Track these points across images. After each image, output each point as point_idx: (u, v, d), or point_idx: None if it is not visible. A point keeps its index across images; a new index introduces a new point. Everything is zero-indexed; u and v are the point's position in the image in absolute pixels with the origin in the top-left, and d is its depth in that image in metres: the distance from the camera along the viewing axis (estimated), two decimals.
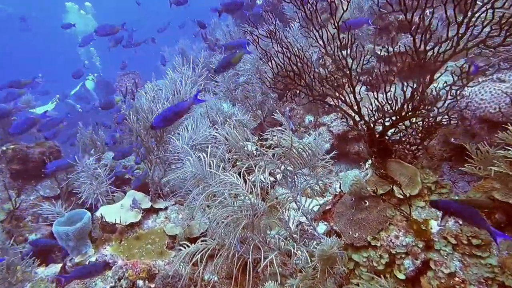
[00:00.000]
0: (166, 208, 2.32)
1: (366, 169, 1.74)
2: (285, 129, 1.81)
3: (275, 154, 1.73)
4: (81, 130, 3.55)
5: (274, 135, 1.79)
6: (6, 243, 1.98)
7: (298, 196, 1.74)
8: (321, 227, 1.87)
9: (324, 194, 2.45)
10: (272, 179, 1.93)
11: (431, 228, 1.31)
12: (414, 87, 1.36)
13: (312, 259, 1.44)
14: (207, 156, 1.81)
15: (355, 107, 1.59)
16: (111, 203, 2.43)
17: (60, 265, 2.06)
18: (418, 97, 1.34)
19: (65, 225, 1.96)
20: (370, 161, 1.82)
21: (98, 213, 2.13)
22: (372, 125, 1.55)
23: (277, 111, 4.02)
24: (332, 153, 1.67)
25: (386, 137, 1.55)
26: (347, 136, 3.21)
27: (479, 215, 1.05)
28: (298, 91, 1.74)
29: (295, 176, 1.74)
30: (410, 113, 1.41)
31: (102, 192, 2.48)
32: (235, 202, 1.62)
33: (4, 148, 3.03)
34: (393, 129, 1.52)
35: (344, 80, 1.63)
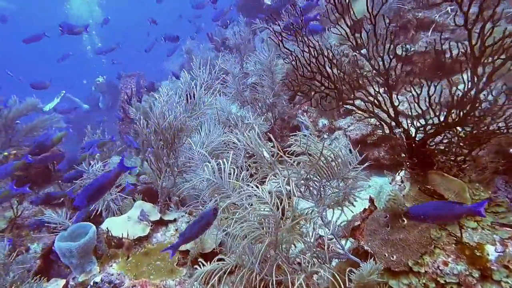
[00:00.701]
0: (175, 220, 2.15)
1: (401, 182, 1.56)
2: (309, 133, 1.64)
3: (300, 163, 1.56)
4: (88, 133, 3.42)
5: (300, 141, 1.62)
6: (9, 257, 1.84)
7: (324, 212, 1.57)
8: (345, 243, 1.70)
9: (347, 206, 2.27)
10: (290, 188, 1.77)
11: (488, 254, 1.14)
12: (466, 88, 1.18)
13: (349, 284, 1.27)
14: (227, 163, 1.64)
15: (392, 113, 1.42)
16: (121, 209, 2.28)
17: (63, 282, 1.91)
18: (471, 100, 1.17)
19: (69, 239, 1.81)
20: (402, 172, 1.64)
21: (103, 226, 1.97)
22: (411, 133, 1.38)
23: (297, 115, 3.86)
24: (366, 163, 1.49)
25: (428, 146, 1.37)
26: (365, 141, 3.03)
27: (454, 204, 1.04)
28: (325, 95, 1.57)
29: (322, 188, 1.57)
30: (459, 120, 1.24)
31: (109, 199, 2.34)
32: (258, 217, 1.46)
33: (5, 153, 2.89)
34: (437, 137, 1.35)
35: (371, 82, 1.46)
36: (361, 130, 3.03)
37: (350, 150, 3.26)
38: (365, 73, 2.56)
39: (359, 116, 3.13)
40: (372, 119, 2.99)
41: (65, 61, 6.76)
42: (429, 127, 1.33)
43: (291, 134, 4.09)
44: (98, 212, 2.33)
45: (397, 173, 1.71)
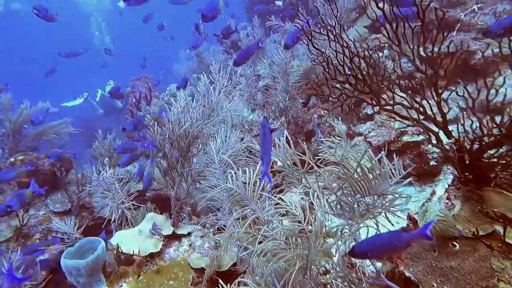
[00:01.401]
0: (189, 234, 2.00)
1: (447, 199, 1.38)
2: (342, 141, 1.49)
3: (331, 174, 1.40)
4: (100, 138, 3.30)
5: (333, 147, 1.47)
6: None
7: (358, 230, 1.40)
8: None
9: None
10: (319, 203, 1.61)
11: None
12: None
13: None
14: (252, 172, 1.48)
15: (440, 121, 1.25)
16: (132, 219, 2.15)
17: None
18: None
19: (76, 255, 1.67)
20: (445, 186, 1.47)
21: (113, 241, 1.83)
22: (466, 144, 1.20)
23: (312, 119, 3.68)
24: (410, 179, 1.32)
25: (484, 159, 1.20)
26: (389, 148, 2.85)
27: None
28: (359, 100, 1.41)
29: (355, 204, 1.41)
30: None
31: (118, 206, 2.21)
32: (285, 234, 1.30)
33: (12, 159, 2.79)
34: (495, 149, 1.17)
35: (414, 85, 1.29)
36: (384, 136, 2.85)
37: (371, 157, 3.06)
38: (393, 75, 2.38)
39: (381, 121, 2.96)
40: (396, 124, 2.81)
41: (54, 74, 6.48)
42: (484, 137, 1.16)
43: (306, 139, 3.85)
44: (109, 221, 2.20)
45: (429, 185, 1.53)
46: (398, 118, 1.36)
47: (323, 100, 4.15)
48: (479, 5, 3.29)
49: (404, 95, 1.27)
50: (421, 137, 2.47)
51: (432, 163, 2.39)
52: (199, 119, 1.99)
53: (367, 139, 2.94)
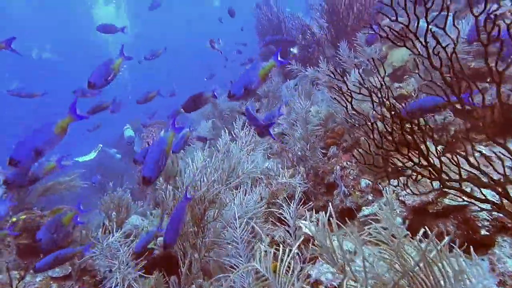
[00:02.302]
0: None
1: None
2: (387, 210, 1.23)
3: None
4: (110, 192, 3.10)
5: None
6: None
7: None
8: None
9: None
10: None
11: None
12: None
13: None
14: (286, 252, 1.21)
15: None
16: None
17: None
18: None
19: None
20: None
21: None
22: None
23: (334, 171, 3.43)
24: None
25: None
26: (426, 209, 2.54)
27: None
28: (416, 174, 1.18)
29: None
30: None
31: (125, 277, 1.92)
32: None
33: (14, 218, 2.59)
34: None
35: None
36: (420, 195, 2.55)
37: (404, 220, 2.72)
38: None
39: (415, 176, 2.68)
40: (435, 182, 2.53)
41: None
42: None
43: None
44: None
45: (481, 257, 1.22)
46: (473, 201, 1.10)
47: (345, 150, 3.93)
48: None
49: (474, 170, 1.04)
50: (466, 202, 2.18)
51: (483, 232, 2.07)
52: (217, 181, 1.78)
53: (400, 197, 2.64)
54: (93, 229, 3.36)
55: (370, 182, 3.19)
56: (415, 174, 1.16)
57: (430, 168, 1.10)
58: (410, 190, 1.47)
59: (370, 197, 3.13)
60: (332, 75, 3.52)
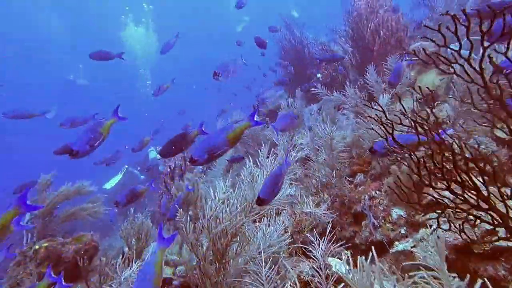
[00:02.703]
0: None
1: None
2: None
3: None
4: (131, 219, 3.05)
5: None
6: None
7: None
8: None
9: None
10: None
11: None
12: None
13: None
14: None
15: None
16: None
17: None
18: None
19: None
20: None
21: None
22: None
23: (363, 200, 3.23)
24: None
25: None
26: (470, 249, 2.27)
27: None
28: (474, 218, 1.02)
29: None
30: None
31: None
32: None
33: (37, 246, 2.58)
34: None
35: None
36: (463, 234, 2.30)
37: (446, 260, 2.46)
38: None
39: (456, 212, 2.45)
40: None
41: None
42: None
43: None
44: None
45: None
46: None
47: (373, 178, 3.73)
48: None
49: None
50: None
51: None
52: (240, 213, 1.67)
53: (439, 234, 2.40)
54: (113, 255, 3.31)
55: (402, 214, 2.96)
56: (472, 218, 1.00)
57: (491, 213, 0.95)
58: (460, 229, 1.30)
59: (403, 231, 2.89)
60: (364, 101, 3.41)
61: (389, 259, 2.77)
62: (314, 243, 1.67)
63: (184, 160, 6.30)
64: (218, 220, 1.64)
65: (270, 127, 5.33)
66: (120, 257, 2.34)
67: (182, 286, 2.96)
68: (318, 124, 3.49)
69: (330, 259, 2.17)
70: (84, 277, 2.76)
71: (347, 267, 2.19)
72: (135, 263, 2.18)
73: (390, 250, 2.65)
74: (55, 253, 2.62)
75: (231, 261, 1.62)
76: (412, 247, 2.52)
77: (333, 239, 1.95)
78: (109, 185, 6.30)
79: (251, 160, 1.90)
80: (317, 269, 1.66)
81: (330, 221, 2.27)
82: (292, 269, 2.11)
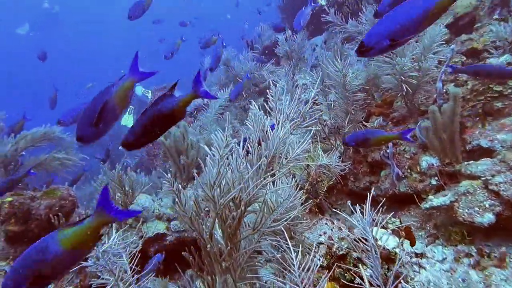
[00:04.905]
0: None
1: None
2: None
3: None
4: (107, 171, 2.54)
5: None
6: None
7: None
8: None
9: None
10: None
11: None
12: None
13: None
14: None
15: None
16: None
17: None
18: None
19: None
20: None
21: None
22: None
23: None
24: None
25: None
26: None
27: None
28: None
29: None
30: None
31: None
32: None
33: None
34: None
35: None
36: None
37: (499, 215, 2.09)
38: None
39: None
40: None
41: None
42: None
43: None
44: None
45: None
46: None
47: (395, 122, 3.22)
48: None
49: None
50: None
51: None
52: (253, 176, 1.16)
53: (490, 187, 1.97)
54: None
55: (435, 163, 2.50)
56: None
57: None
58: None
59: (433, 182, 2.46)
60: None
61: (419, 214, 2.41)
62: (356, 210, 1.21)
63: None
64: (222, 186, 1.13)
65: (266, 68, 4.64)
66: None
67: (178, 243, 2.61)
68: (327, 60, 2.84)
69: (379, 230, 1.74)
70: None
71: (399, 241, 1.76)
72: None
73: (423, 205, 2.25)
74: (23, 208, 2.16)
75: (242, 241, 1.16)
76: (452, 201, 2.11)
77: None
78: (125, 121, 5.75)
79: (255, 105, 1.32)
80: (357, 241, 1.23)
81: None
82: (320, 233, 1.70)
